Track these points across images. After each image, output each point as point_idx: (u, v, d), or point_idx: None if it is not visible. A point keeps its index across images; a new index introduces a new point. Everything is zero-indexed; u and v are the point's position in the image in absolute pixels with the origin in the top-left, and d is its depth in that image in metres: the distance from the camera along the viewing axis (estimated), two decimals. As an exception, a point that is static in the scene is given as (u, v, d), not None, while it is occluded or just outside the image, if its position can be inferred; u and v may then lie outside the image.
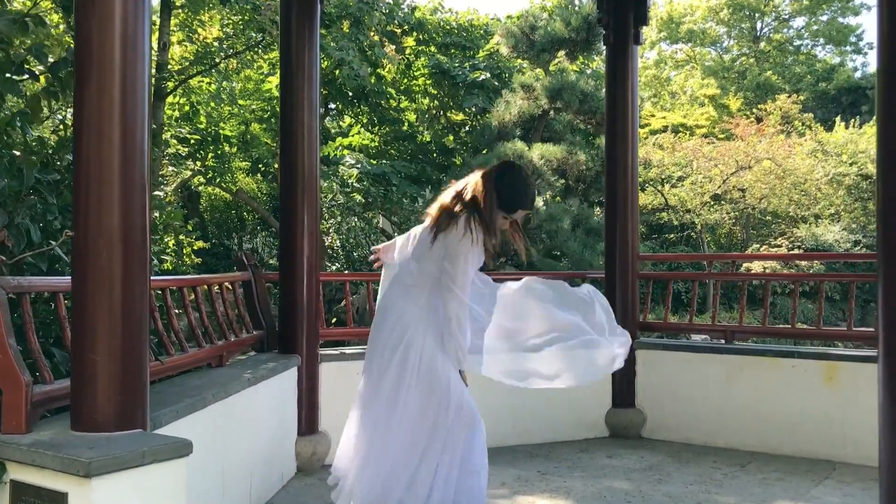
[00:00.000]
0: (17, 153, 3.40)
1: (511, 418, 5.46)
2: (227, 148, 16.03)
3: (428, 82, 18.44)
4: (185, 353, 3.90)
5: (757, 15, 35.64)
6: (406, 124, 18.92)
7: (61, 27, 6.39)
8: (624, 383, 5.80)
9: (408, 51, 18.25)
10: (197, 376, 3.97)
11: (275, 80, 15.13)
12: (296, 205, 4.95)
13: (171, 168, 15.33)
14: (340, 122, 20.41)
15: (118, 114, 2.68)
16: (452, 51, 18.58)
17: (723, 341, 5.69)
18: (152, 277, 4.39)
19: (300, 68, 4.98)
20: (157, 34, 13.90)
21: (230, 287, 4.90)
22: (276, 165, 15.64)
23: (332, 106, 18.66)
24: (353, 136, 18.63)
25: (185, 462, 2.57)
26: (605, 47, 5.99)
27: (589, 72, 16.42)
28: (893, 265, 1.49)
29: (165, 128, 14.55)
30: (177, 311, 4.61)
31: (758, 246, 18.17)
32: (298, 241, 4.95)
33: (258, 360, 4.68)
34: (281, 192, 5.11)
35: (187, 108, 15.81)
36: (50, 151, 3.82)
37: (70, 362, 2.76)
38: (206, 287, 4.58)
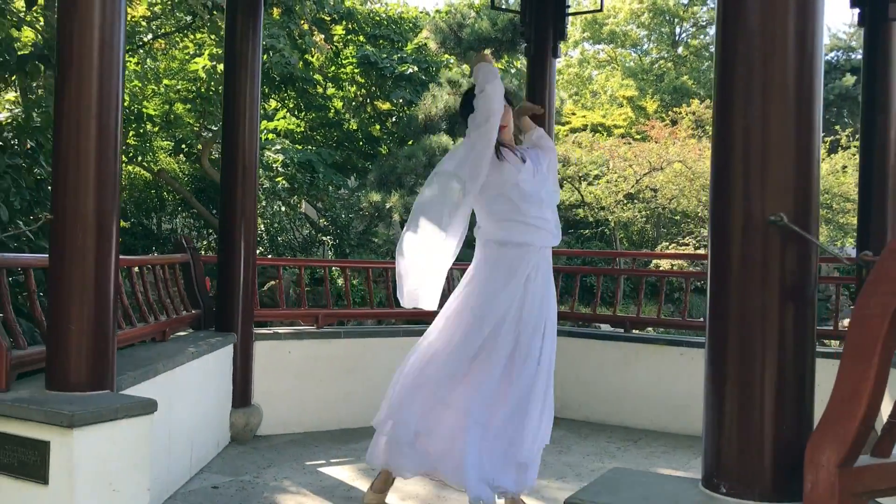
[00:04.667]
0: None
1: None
2: (149, 127, 15.99)
3: (356, 71, 18.70)
4: (135, 327, 4.24)
5: (676, 20, 36.92)
6: (332, 111, 19.14)
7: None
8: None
9: (336, 38, 18.45)
10: (144, 349, 4.31)
11: (201, 62, 15.18)
12: (235, 192, 5.30)
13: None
14: (266, 105, 20.46)
15: (95, 109, 3.04)
16: (381, 42, 18.88)
17: (622, 330, 6.30)
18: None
19: (243, 63, 5.32)
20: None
21: (171, 267, 5.23)
22: (198, 146, 15.73)
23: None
24: (278, 120, 18.72)
25: (151, 418, 2.96)
26: (526, 58, 6.51)
27: (513, 71, 16.97)
28: (721, 272, 2.01)
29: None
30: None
31: (667, 244, 19.09)
32: (237, 226, 5.30)
33: (197, 336, 5.03)
34: (222, 179, 5.45)
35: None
36: (10, 136, 4.09)
37: (47, 330, 3.10)
38: (150, 266, 4.91)
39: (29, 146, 4.03)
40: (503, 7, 10.20)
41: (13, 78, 3.96)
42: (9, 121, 5.54)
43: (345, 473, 4.64)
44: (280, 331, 5.71)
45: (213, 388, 4.93)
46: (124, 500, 2.87)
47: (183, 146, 17.02)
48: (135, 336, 4.24)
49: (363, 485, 4.40)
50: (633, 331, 6.32)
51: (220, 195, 5.56)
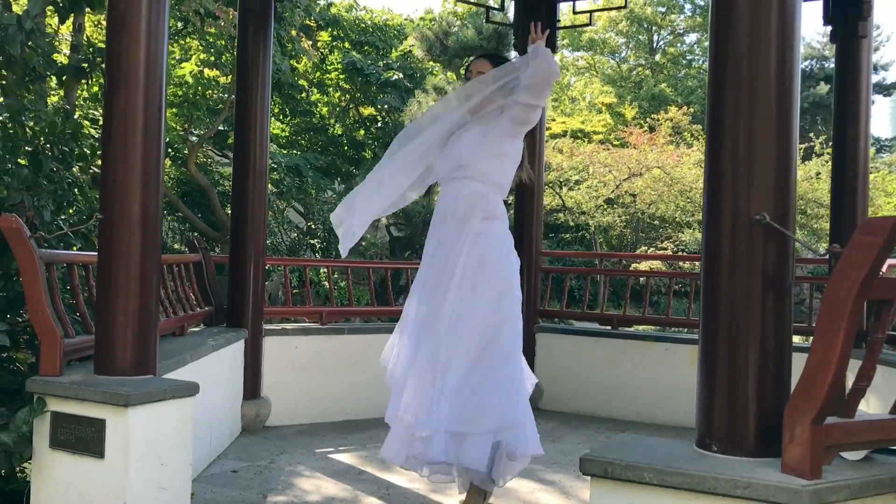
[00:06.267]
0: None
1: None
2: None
3: (341, 77, 19.00)
4: (160, 321, 4.51)
5: (654, 28, 37.50)
6: (317, 116, 19.42)
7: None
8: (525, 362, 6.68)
9: (320, 44, 18.73)
10: (167, 342, 4.58)
11: (189, 67, 15.44)
12: (247, 197, 5.59)
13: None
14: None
15: (141, 120, 3.33)
16: (366, 48, 19.19)
17: (609, 327, 6.65)
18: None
19: (255, 73, 5.62)
20: (73, 17, 14.04)
21: (186, 266, 5.50)
22: (185, 151, 15.97)
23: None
24: (264, 125, 18.89)
25: (194, 400, 3.25)
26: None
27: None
28: (713, 263, 2.35)
29: (77, 109, 14.63)
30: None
31: (646, 248, 19.50)
32: (248, 229, 5.59)
33: (211, 332, 5.31)
34: (233, 184, 5.73)
35: (96, 88, 15.90)
36: (40, 142, 4.36)
37: (95, 320, 3.39)
38: (169, 265, 5.18)
39: (59, 151, 4.29)
40: (496, 21, 10.55)
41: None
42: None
43: (353, 460, 4.94)
44: (288, 327, 6.01)
45: (228, 380, 5.22)
46: (171, 473, 3.16)
47: (169, 150, 17.23)
48: (160, 329, 4.50)
49: (372, 469, 4.72)
50: (620, 328, 6.67)
51: (231, 199, 5.84)
